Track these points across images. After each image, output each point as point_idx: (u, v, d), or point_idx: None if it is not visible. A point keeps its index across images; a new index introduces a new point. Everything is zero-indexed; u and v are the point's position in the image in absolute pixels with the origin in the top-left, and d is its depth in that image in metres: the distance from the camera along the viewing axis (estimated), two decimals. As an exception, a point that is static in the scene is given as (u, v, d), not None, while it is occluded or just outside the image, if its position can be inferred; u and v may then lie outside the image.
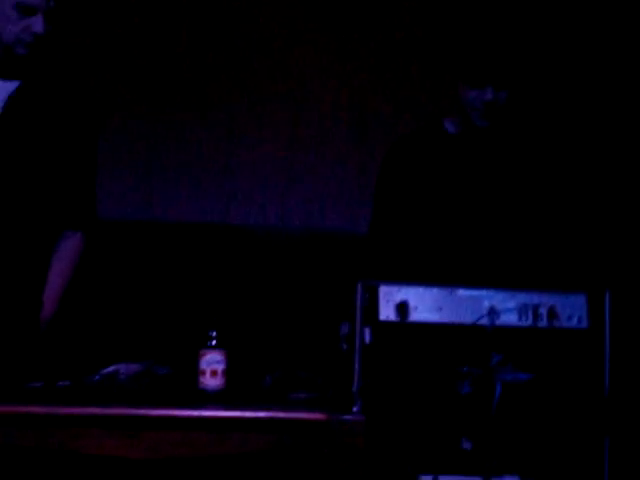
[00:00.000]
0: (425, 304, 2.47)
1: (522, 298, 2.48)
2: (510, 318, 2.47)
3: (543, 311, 2.48)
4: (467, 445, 2.43)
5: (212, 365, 2.48)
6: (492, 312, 2.46)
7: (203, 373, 2.47)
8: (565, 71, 4.21)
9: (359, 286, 2.42)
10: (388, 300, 2.45)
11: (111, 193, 3.90)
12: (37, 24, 2.72)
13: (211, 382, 2.47)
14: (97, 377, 2.54)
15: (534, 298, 2.49)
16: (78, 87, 2.93)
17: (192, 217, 4.15)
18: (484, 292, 2.49)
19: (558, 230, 2.97)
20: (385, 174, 3.03)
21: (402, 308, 2.45)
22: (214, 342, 2.49)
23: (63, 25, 2.79)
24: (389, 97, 4.25)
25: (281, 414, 2.31)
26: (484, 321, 2.46)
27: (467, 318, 2.46)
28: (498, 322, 2.46)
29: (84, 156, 2.92)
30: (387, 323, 2.44)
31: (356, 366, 2.37)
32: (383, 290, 2.46)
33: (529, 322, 2.47)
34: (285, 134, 4.26)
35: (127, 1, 4.20)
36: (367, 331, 2.42)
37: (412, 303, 2.46)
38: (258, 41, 4.25)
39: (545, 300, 2.48)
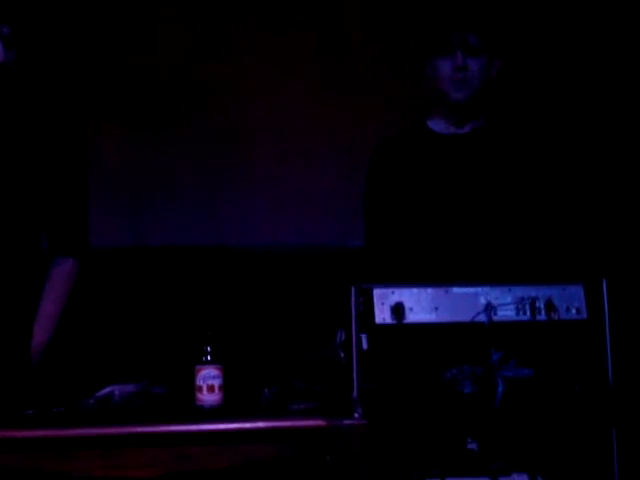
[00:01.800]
0: (421, 305, 2.43)
1: (518, 292, 2.44)
2: (508, 313, 2.43)
3: (541, 304, 2.44)
4: (473, 445, 2.39)
5: (208, 381, 2.44)
6: (489, 308, 2.42)
7: (200, 389, 2.43)
8: (555, 61, 4.18)
9: (353, 290, 2.38)
10: (383, 303, 2.42)
11: (101, 221, 3.87)
12: None
13: (208, 398, 2.43)
14: (91, 401, 2.50)
15: (531, 292, 2.45)
16: (60, 108, 2.89)
17: (183, 240, 4.12)
18: (479, 289, 2.45)
19: (551, 222, 2.92)
20: (373, 178, 2.98)
21: (397, 310, 2.41)
22: (209, 357, 2.45)
23: (33, 48, 2.76)
24: (374, 106, 4.22)
25: (280, 423, 2.27)
26: (481, 318, 2.42)
27: (464, 316, 2.43)
28: (495, 318, 2.42)
29: (71, 180, 2.88)
30: (383, 326, 2.40)
31: (355, 371, 2.33)
32: (377, 293, 2.43)
33: (527, 316, 2.43)
34: (273, 153, 4.24)
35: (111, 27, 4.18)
36: (364, 338, 2.38)
37: (407, 304, 2.42)
38: (244, 60, 4.24)
39: (542, 293, 2.45)
